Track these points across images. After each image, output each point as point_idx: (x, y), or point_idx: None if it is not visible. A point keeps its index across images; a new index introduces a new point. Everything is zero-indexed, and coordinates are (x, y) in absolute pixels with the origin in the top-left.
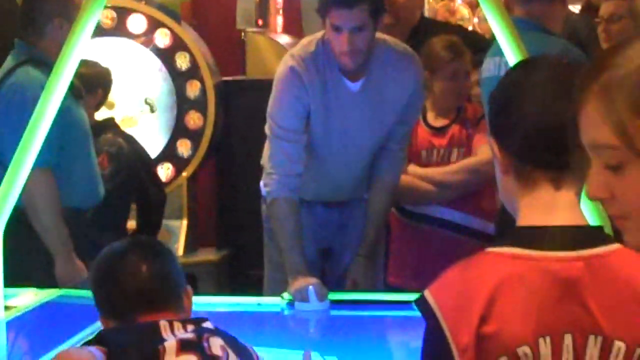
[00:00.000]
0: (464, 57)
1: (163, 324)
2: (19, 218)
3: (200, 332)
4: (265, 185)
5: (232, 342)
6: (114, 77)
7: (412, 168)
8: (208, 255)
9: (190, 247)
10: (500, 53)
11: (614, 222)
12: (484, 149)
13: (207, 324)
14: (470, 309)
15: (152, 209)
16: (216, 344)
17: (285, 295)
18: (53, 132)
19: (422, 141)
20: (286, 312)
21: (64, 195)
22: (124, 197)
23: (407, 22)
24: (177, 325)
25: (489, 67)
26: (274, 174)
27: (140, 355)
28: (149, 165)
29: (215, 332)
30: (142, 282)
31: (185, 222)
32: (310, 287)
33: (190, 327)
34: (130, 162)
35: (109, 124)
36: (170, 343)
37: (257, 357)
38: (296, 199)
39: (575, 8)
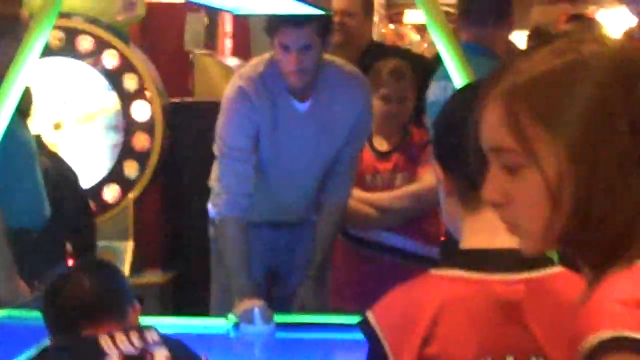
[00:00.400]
0: (405, 81)
1: (104, 338)
2: None
3: (144, 346)
4: (214, 206)
5: (180, 351)
6: (58, 97)
7: (357, 192)
8: (154, 277)
9: (135, 269)
10: (446, 77)
11: (508, 228)
12: (428, 176)
13: (152, 334)
14: (413, 330)
15: (80, 230)
16: (160, 357)
17: (231, 316)
18: None
19: (366, 165)
20: (232, 334)
21: (9, 216)
22: (55, 217)
23: (356, 44)
24: (120, 336)
25: (435, 91)
26: (223, 194)
27: None
28: (75, 185)
29: (162, 342)
30: (83, 296)
31: (131, 244)
32: (256, 309)
33: (134, 337)
34: (54, 182)
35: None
36: None
37: None
38: (245, 220)
39: (523, 33)
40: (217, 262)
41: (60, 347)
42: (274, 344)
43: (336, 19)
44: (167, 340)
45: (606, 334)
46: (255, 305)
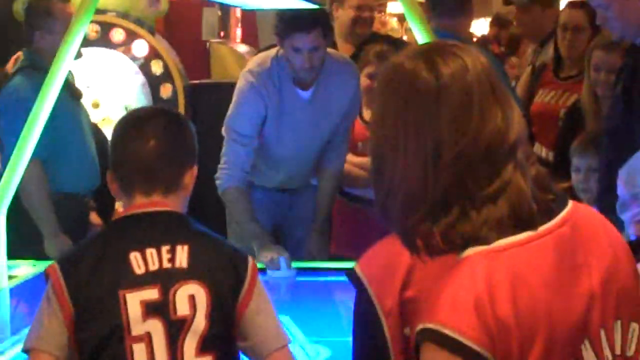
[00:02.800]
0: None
1: (133, 255)
2: (18, 202)
3: (168, 281)
4: (217, 179)
5: (213, 268)
6: (96, 80)
7: (350, 157)
8: None
9: None
10: None
11: None
12: None
13: (183, 252)
14: (393, 278)
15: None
16: (183, 298)
17: None
18: (45, 129)
19: (358, 134)
20: None
21: (61, 182)
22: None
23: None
24: (150, 252)
25: None
26: (226, 169)
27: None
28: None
29: (189, 270)
30: (144, 153)
31: None
32: (282, 257)
33: (165, 250)
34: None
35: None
36: (135, 312)
37: (253, 267)
38: (244, 187)
39: (486, 21)
40: (231, 224)
41: (86, 307)
42: (294, 286)
43: (366, 14)
44: (197, 261)
45: (432, 325)
46: (281, 255)
